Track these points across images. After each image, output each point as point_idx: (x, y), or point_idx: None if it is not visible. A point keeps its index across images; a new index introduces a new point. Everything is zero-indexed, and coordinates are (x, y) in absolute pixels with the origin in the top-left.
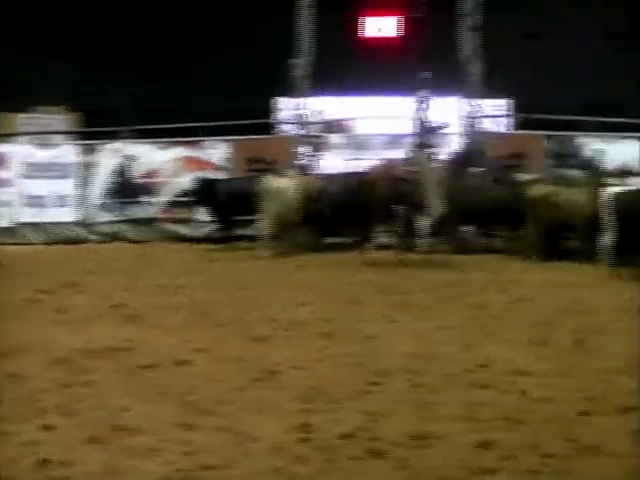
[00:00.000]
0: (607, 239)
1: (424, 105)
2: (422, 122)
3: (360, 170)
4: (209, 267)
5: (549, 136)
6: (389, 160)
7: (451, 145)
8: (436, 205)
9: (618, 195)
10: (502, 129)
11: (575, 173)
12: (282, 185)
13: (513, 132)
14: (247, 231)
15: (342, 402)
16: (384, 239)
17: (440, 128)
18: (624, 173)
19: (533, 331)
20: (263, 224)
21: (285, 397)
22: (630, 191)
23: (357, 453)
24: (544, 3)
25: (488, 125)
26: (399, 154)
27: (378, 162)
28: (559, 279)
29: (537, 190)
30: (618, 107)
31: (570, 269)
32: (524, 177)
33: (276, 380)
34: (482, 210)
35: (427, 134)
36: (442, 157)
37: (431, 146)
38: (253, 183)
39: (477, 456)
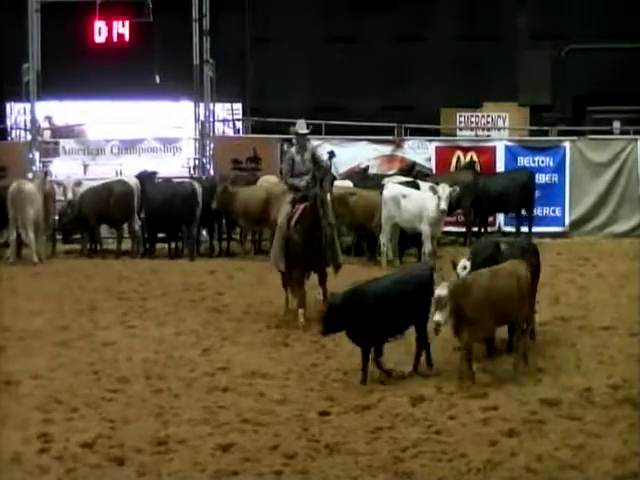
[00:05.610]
0: (383, 238)
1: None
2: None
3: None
4: None
5: (284, 139)
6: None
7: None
8: None
9: None
10: (236, 133)
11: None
12: (29, 190)
13: (249, 135)
14: None
15: (82, 410)
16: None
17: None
18: (361, 174)
19: (270, 333)
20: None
21: (24, 407)
22: None
23: (98, 461)
24: (272, 8)
25: (223, 129)
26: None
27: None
28: None
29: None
30: (340, 110)
31: None
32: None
33: (14, 390)
34: None
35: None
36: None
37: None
38: None
39: (219, 459)
